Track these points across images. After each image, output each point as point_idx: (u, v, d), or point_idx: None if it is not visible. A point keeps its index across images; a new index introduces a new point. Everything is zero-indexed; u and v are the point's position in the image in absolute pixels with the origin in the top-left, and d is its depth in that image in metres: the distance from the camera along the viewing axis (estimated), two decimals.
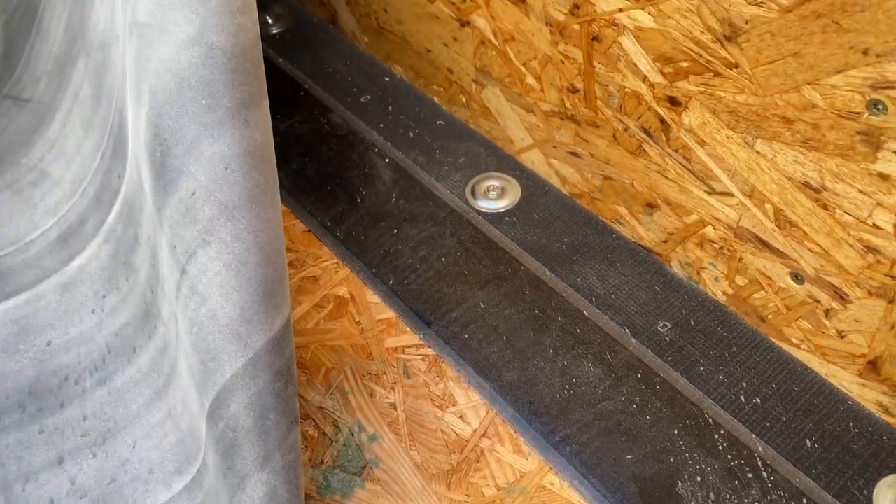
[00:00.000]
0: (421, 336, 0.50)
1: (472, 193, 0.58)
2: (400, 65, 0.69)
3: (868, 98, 0.35)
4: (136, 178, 0.47)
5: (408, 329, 0.51)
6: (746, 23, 0.38)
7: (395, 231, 0.57)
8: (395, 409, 0.47)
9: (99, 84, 0.55)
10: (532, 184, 0.59)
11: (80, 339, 0.50)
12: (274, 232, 0.39)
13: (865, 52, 0.34)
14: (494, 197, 0.58)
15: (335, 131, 0.66)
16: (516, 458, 0.44)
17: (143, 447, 0.45)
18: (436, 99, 0.67)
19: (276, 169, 0.41)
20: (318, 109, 0.68)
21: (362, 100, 0.67)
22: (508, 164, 0.60)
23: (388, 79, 0.69)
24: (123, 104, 0.49)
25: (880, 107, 0.34)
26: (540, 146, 0.58)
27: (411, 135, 0.64)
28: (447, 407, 0.47)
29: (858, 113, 0.35)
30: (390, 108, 0.66)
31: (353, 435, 0.46)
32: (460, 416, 0.46)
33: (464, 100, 0.64)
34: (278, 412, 0.38)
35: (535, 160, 0.60)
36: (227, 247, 0.38)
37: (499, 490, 0.43)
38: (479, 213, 0.57)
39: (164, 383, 0.45)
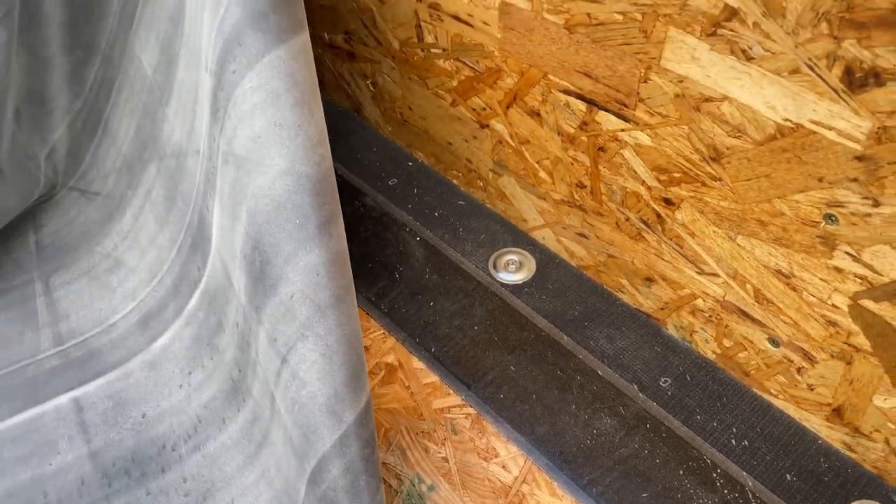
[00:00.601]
0: (462, 397, 0.59)
1: (494, 267, 0.68)
2: (421, 152, 0.79)
3: (824, 212, 0.45)
4: (222, 274, 0.55)
5: (451, 391, 0.59)
6: (728, 149, 0.48)
7: (432, 303, 0.66)
8: (447, 462, 0.55)
9: (173, 186, 0.63)
10: (545, 258, 0.68)
11: (172, 411, 0.57)
12: (355, 323, 0.48)
13: (820, 180, 0.43)
14: (514, 270, 0.67)
15: (369, 213, 0.75)
16: (552, 500, 0.53)
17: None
18: (455, 181, 0.76)
19: (351, 270, 0.49)
20: (353, 193, 0.77)
21: (390, 183, 0.76)
22: (523, 241, 0.70)
23: (411, 163, 0.79)
24: (204, 208, 0.57)
25: (833, 218, 0.44)
26: (551, 227, 0.67)
27: (436, 214, 0.73)
28: (491, 458, 0.55)
29: (817, 222, 0.45)
30: (415, 190, 0.76)
31: (414, 485, 0.54)
32: (503, 466, 0.55)
33: (481, 184, 0.73)
34: (368, 474, 0.46)
35: (545, 237, 0.69)
36: (322, 339, 0.46)
37: None
38: (502, 285, 0.66)
39: (256, 449, 0.53)
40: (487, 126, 0.66)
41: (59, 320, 0.65)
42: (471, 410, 0.58)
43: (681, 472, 0.54)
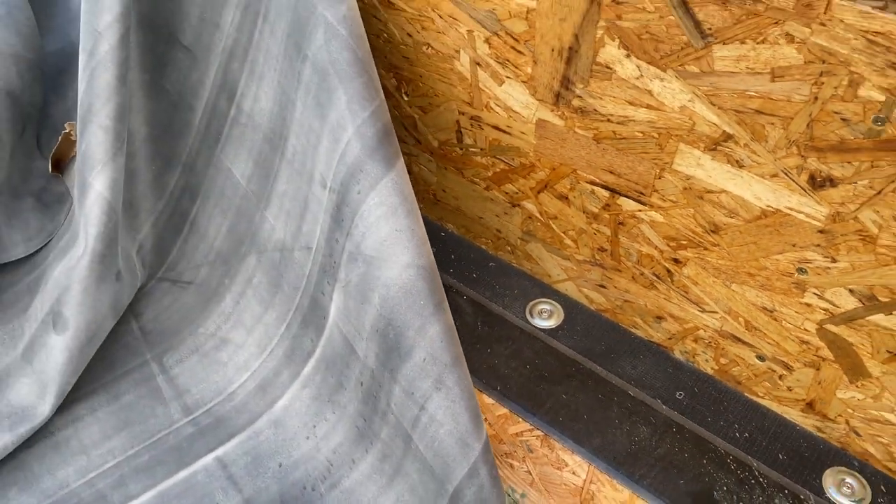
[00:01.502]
0: (530, 423, 0.74)
1: (531, 315, 0.84)
2: (452, 224, 0.94)
3: (796, 266, 0.63)
4: (341, 344, 0.69)
5: (520, 419, 0.74)
6: (724, 225, 0.66)
7: (489, 350, 0.81)
8: (530, 474, 0.70)
9: (278, 275, 0.76)
10: (570, 305, 0.85)
11: (303, 458, 0.70)
12: (469, 376, 0.63)
13: (794, 245, 0.62)
14: (547, 317, 0.83)
15: None
16: (614, 493, 0.69)
17: None
18: (484, 247, 0.92)
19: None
20: None
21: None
22: (550, 293, 0.86)
23: (444, 234, 0.94)
24: (318, 293, 0.71)
25: (804, 270, 0.63)
26: (573, 280, 0.84)
27: (474, 276, 0.88)
28: (563, 467, 0.71)
29: (792, 273, 0.64)
30: (452, 256, 0.91)
31: (509, 495, 0.69)
32: (573, 472, 0.70)
33: (509, 249, 0.89)
34: (496, 488, 0.60)
35: (568, 289, 0.86)
36: (451, 390, 0.60)
37: None
38: (541, 330, 0.82)
39: (388, 481, 0.66)
40: (518, 205, 0.83)
41: (183, 394, 0.76)
42: (539, 432, 0.73)
43: (704, 462, 0.71)
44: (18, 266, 0.79)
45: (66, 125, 0.79)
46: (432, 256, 0.63)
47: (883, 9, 0.47)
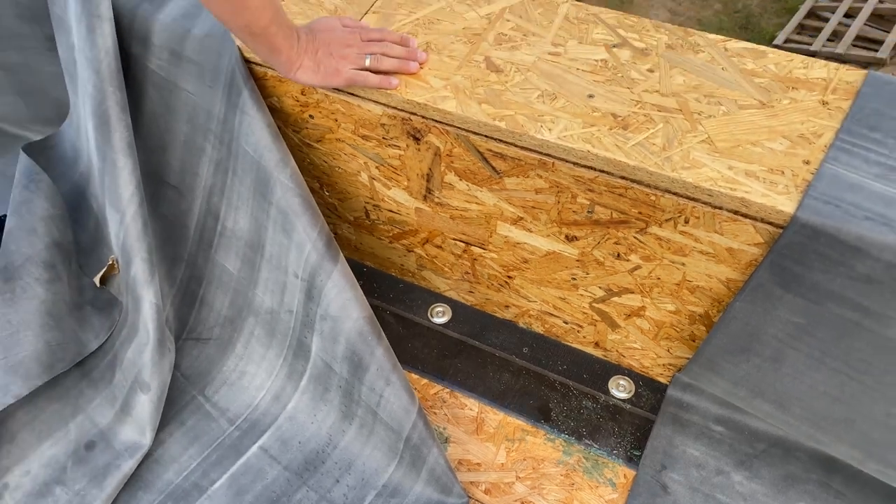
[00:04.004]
0: (440, 385, 1.19)
1: (431, 316, 1.27)
2: (370, 262, 1.35)
3: (570, 276, 1.09)
4: (323, 366, 1.10)
5: (434, 384, 1.19)
6: (529, 259, 1.10)
7: (409, 344, 1.24)
8: (446, 415, 1.15)
9: (272, 328, 1.15)
10: (455, 305, 1.28)
11: (313, 435, 1.11)
12: (402, 370, 1.06)
13: (566, 267, 1.08)
14: (441, 315, 1.27)
15: None
16: (495, 416, 1.15)
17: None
18: (393, 273, 1.34)
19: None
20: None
21: (361, 281, 1.32)
22: (441, 299, 1.29)
23: (365, 269, 1.35)
24: (302, 337, 1.11)
25: (574, 278, 1.09)
26: (454, 290, 1.28)
27: (390, 295, 1.30)
28: (464, 408, 1.16)
29: (569, 280, 1.10)
30: (374, 284, 1.32)
31: (438, 431, 1.13)
32: (470, 409, 1.16)
33: (410, 274, 1.31)
34: (428, 431, 1.04)
35: (451, 296, 1.29)
36: (395, 383, 1.03)
37: None
38: (438, 325, 1.26)
39: (366, 438, 1.09)
40: (412, 251, 1.25)
41: (225, 412, 1.15)
42: (447, 390, 1.18)
43: (543, 388, 1.18)
44: (95, 355, 1.13)
45: (110, 258, 1.13)
46: (370, 309, 1.04)
47: (590, 168, 0.90)
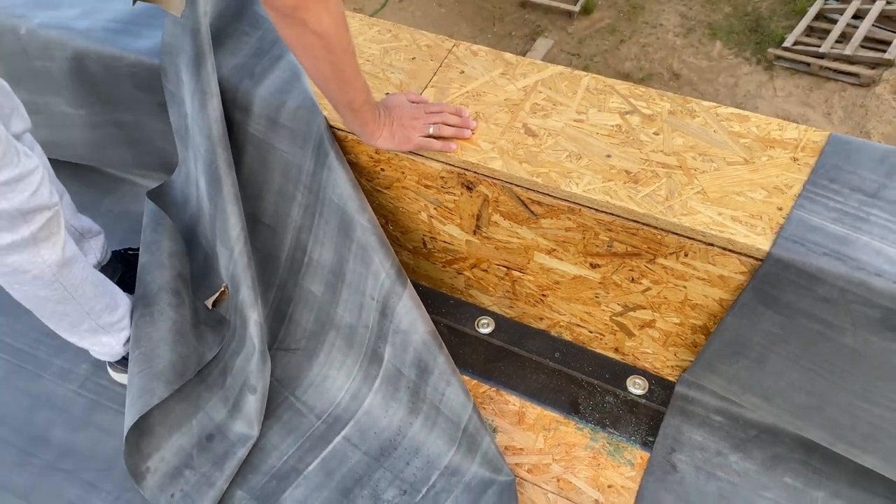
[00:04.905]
0: (488, 385, 1.42)
1: (478, 327, 1.51)
2: (425, 282, 1.59)
3: (594, 294, 1.32)
4: (393, 371, 1.34)
5: (483, 384, 1.42)
6: (560, 280, 1.33)
7: (460, 351, 1.48)
8: (493, 410, 1.39)
9: (350, 340, 1.39)
10: (497, 318, 1.52)
11: (385, 426, 1.34)
12: (458, 373, 1.29)
13: (590, 288, 1.30)
14: (486, 326, 1.51)
15: None
16: (534, 411, 1.38)
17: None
18: (445, 291, 1.58)
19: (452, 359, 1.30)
20: None
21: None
22: (486, 313, 1.53)
23: (421, 287, 1.59)
24: (376, 347, 1.35)
25: (597, 296, 1.32)
26: (496, 305, 1.51)
27: (443, 310, 1.54)
28: (507, 403, 1.40)
29: (592, 297, 1.33)
30: (429, 300, 1.56)
31: (489, 422, 1.37)
32: (513, 405, 1.39)
33: (459, 293, 1.55)
34: (480, 422, 1.28)
35: (495, 310, 1.53)
36: (454, 385, 1.26)
37: None
38: (484, 335, 1.50)
39: (430, 429, 1.32)
40: (461, 274, 1.48)
41: (313, 409, 1.40)
42: (493, 389, 1.41)
43: (572, 386, 1.41)
44: (209, 364, 1.38)
45: (222, 285, 1.39)
46: (433, 325, 1.28)
47: (609, 213, 1.13)
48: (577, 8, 5.30)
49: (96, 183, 1.80)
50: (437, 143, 1.19)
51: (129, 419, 1.23)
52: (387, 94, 1.27)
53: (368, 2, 5.77)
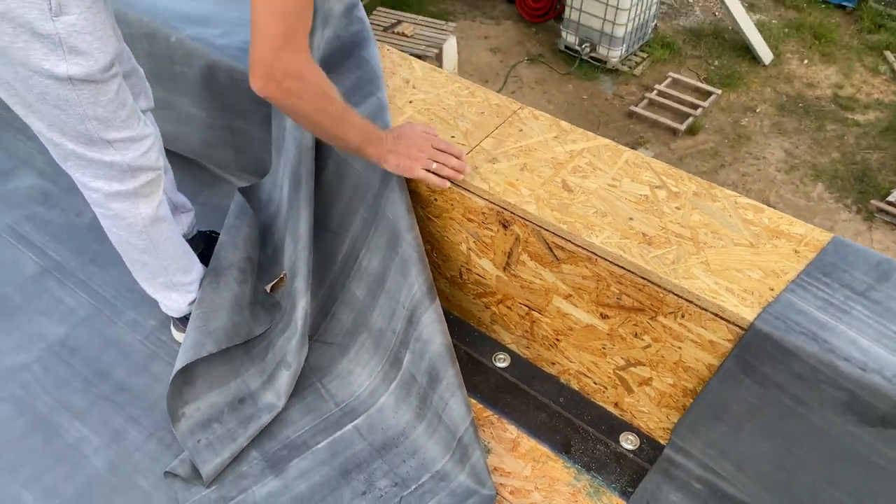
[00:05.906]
0: (491, 412, 1.53)
1: (494, 361, 1.63)
2: (457, 312, 1.73)
3: (601, 346, 1.43)
4: (409, 376, 1.47)
5: (486, 409, 1.54)
6: (574, 327, 1.45)
7: (474, 378, 1.60)
8: (491, 434, 1.50)
9: (377, 343, 1.54)
10: (513, 355, 1.65)
11: (393, 425, 1.47)
12: (464, 388, 1.41)
13: (598, 339, 1.42)
14: (502, 361, 1.63)
15: None
16: (528, 442, 1.48)
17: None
18: (471, 322, 1.72)
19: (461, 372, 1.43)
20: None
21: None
22: (504, 349, 1.66)
23: (451, 317, 1.74)
24: (399, 353, 1.49)
25: (604, 347, 1.43)
26: (514, 343, 1.64)
27: (467, 339, 1.68)
28: (505, 431, 1.50)
29: (599, 349, 1.44)
30: (456, 329, 1.71)
31: (485, 445, 1.48)
32: (510, 433, 1.50)
33: (483, 327, 1.69)
34: (476, 439, 1.39)
35: (512, 347, 1.65)
36: (458, 397, 1.39)
37: None
38: (499, 368, 1.62)
39: (431, 433, 1.44)
40: (488, 308, 1.63)
41: (334, 396, 1.54)
42: (495, 416, 1.53)
43: (569, 430, 1.50)
44: (257, 339, 1.56)
45: (282, 273, 1.58)
46: (451, 340, 1.42)
47: (621, 267, 1.26)
48: (683, 127, 5.26)
49: (199, 176, 2.07)
50: (435, 179, 1.36)
51: (179, 364, 1.41)
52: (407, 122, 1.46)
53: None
